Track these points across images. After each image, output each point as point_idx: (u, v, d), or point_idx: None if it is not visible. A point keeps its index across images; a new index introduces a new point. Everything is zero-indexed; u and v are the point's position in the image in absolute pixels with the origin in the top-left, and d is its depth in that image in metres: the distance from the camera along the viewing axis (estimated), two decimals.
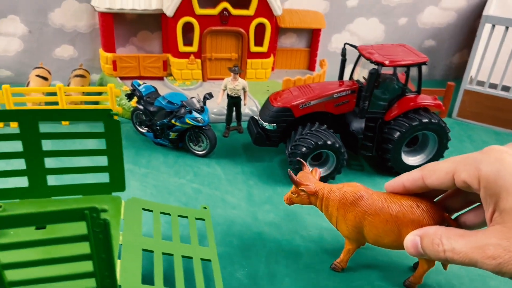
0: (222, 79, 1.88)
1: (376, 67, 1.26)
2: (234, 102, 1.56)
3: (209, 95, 1.44)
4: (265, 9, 1.76)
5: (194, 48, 1.80)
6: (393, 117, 1.32)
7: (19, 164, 0.89)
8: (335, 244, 1.08)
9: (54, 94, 1.53)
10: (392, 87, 1.37)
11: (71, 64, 1.89)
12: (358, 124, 1.35)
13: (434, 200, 0.85)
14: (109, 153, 0.92)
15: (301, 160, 1.01)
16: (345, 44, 1.43)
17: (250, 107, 1.69)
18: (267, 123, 1.34)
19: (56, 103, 1.56)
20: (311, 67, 2.07)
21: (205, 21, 1.74)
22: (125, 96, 1.54)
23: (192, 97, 1.41)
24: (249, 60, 1.86)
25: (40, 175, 0.91)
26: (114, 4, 1.70)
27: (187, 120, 1.37)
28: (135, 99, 1.53)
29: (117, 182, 0.95)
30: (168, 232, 0.96)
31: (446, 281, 0.99)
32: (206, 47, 1.81)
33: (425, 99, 1.35)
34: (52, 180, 0.93)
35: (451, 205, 0.81)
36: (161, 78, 1.89)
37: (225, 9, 1.74)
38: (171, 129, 1.41)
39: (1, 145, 0.96)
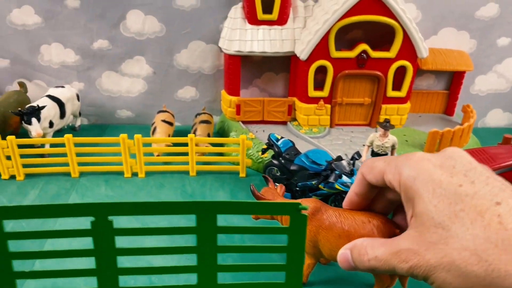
0: (352, 125, 1.73)
1: None
2: None
3: (358, 155, 1.27)
4: (408, 51, 1.57)
5: (325, 93, 1.64)
6: None
7: (190, 259, 0.77)
8: None
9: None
10: None
11: (192, 105, 1.82)
12: None
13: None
14: (290, 250, 0.78)
15: (266, 176, 1.09)
16: None
17: None
18: None
19: (185, 154, 1.48)
20: (449, 111, 1.83)
21: (340, 64, 1.59)
22: (261, 150, 1.42)
23: (340, 158, 1.24)
24: (383, 106, 1.68)
25: (211, 271, 0.78)
26: (244, 46, 1.60)
27: (337, 186, 1.20)
28: (267, 151, 1.41)
29: (294, 283, 0.80)
30: None
31: None
32: (337, 92, 1.65)
33: None
34: (220, 277, 0.81)
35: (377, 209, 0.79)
36: (284, 123, 1.75)
37: (364, 51, 1.57)
38: (315, 193, 1.25)
39: (169, 238, 0.89)
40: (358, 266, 0.65)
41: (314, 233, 0.90)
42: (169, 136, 1.60)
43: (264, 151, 1.41)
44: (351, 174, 1.22)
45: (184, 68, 1.75)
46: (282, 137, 1.40)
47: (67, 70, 1.73)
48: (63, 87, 1.67)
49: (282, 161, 1.34)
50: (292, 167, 1.31)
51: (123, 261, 0.75)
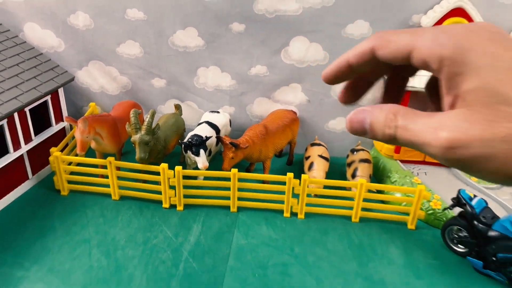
0: None
1: None
2: None
3: None
4: None
5: None
6: None
7: None
8: None
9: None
10: None
11: (341, 138, 1.71)
12: None
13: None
14: None
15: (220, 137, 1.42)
16: None
17: None
18: None
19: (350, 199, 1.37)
20: None
21: None
22: (449, 208, 1.28)
23: None
24: None
25: None
26: (418, 83, 1.45)
27: None
28: (453, 209, 1.26)
29: None
30: None
31: None
32: None
33: None
34: None
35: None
36: (448, 167, 1.59)
37: None
38: None
39: None
40: (376, 130, 0.52)
41: (272, 139, 1.50)
42: (325, 173, 1.50)
43: (451, 207, 1.26)
44: None
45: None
46: (475, 195, 1.24)
47: (220, 94, 1.69)
48: (217, 112, 1.62)
49: (476, 223, 1.18)
50: (491, 233, 1.15)
51: None
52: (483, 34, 0.50)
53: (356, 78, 0.60)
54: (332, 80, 0.60)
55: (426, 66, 0.52)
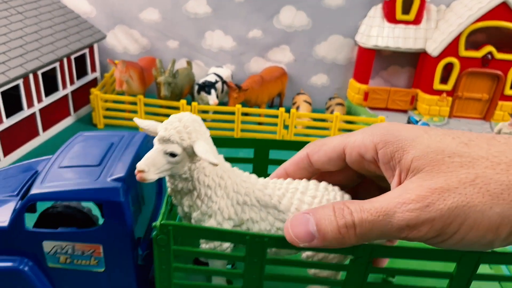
0: (468, 117, 1.95)
1: None
2: None
3: None
4: None
5: (449, 86, 1.87)
6: None
7: None
8: None
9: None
10: None
11: (321, 91, 2.11)
12: None
13: None
14: None
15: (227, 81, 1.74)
16: None
17: None
18: None
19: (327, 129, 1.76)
20: None
21: (466, 62, 1.81)
22: None
23: None
24: (500, 102, 1.88)
25: None
26: (381, 42, 1.86)
27: None
28: None
29: None
30: None
31: None
32: (459, 86, 1.87)
33: None
34: None
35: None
36: (405, 111, 2.00)
37: (490, 52, 1.79)
38: None
39: None
40: (326, 229, 0.52)
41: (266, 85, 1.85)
42: None
43: None
44: None
45: (320, 58, 2.04)
46: (420, 119, 1.65)
47: (224, 54, 2.07)
48: (221, 67, 2.00)
49: None
50: None
51: None
52: (397, 124, 0.56)
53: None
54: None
55: (361, 159, 0.56)
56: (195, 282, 0.79)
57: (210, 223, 0.70)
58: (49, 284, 0.81)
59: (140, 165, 0.63)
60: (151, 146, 0.67)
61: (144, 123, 0.69)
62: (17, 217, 0.76)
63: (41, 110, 1.62)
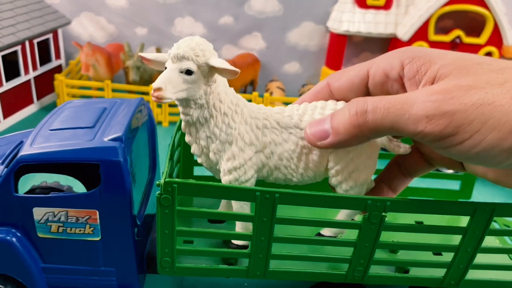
0: None
1: None
2: None
3: None
4: (496, 38, 1.81)
5: None
6: None
7: None
8: None
9: None
10: None
11: (294, 79, 2.09)
12: None
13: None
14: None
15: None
16: None
17: None
18: None
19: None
20: None
21: (436, 46, 1.83)
22: None
23: None
24: None
25: None
26: (352, 27, 1.86)
27: None
28: None
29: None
30: None
31: None
32: None
33: None
34: None
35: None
36: None
37: (458, 36, 1.82)
38: None
39: None
40: (340, 125, 0.54)
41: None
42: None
43: None
44: None
45: (293, 45, 2.02)
46: None
47: None
48: None
49: None
50: None
51: None
52: (425, 47, 0.57)
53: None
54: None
55: (385, 79, 0.56)
56: (199, 248, 0.74)
57: (232, 150, 0.68)
58: (38, 257, 0.75)
59: (156, 83, 0.61)
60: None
61: (152, 55, 0.67)
62: (4, 183, 0.70)
63: (1, 95, 1.53)
